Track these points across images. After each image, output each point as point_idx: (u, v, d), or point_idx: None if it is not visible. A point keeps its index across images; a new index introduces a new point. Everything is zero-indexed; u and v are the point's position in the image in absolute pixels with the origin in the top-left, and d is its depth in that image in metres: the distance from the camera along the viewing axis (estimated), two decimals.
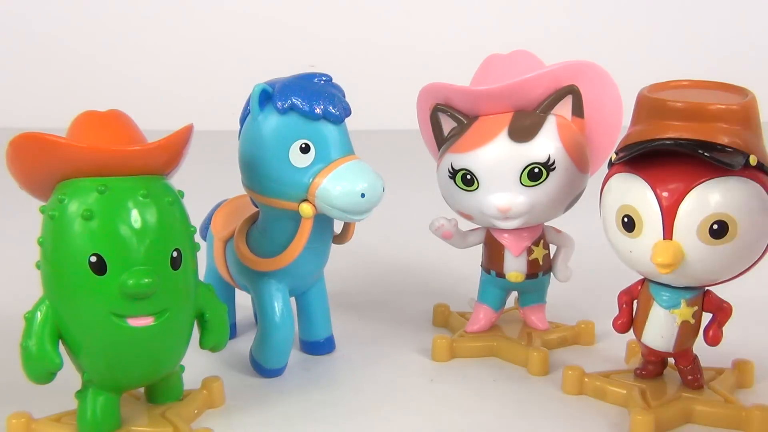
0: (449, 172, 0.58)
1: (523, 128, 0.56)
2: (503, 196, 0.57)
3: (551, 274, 0.63)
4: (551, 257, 0.62)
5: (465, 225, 0.62)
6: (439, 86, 0.59)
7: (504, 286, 0.62)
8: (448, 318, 0.67)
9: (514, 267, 0.61)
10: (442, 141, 0.60)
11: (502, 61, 0.60)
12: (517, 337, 0.63)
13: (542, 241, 0.61)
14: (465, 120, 0.58)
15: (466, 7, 1.56)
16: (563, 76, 0.57)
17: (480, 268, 0.63)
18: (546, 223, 0.61)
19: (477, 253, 0.64)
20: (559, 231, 0.62)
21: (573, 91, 0.57)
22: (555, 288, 0.64)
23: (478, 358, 0.62)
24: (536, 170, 0.56)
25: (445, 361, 0.61)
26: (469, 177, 0.57)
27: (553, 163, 0.56)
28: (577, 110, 0.57)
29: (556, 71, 0.57)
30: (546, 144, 0.56)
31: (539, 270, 0.61)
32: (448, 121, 0.59)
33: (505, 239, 0.60)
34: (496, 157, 0.56)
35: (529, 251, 0.60)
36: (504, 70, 0.58)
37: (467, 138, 0.58)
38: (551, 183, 0.57)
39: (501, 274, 0.61)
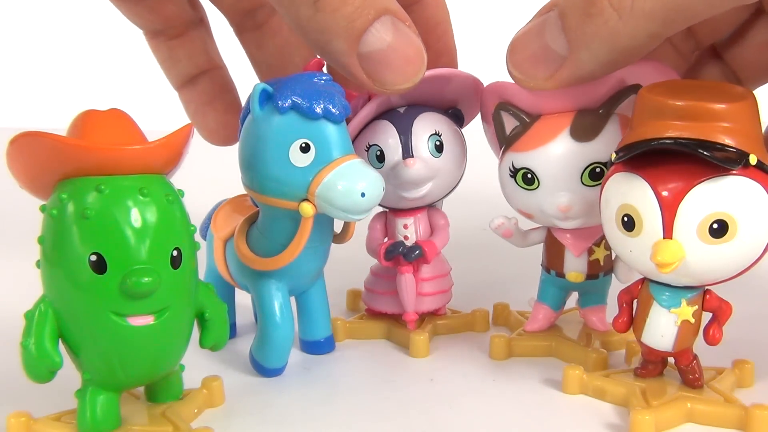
0: (510, 170, 0.58)
1: (585, 127, 0.56)
2: (564, 196, 0.57)
3: (612, 275, 0.62)
4: (612, 258, 0.61)
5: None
6: (503, 85, 0.59)
7: (564, 286, 0.62)
8: (507, 317, 0.67)
9: (575, 267, 0.60)
10: (504, 139, 0.60)
11: None
12: (577, 337, 0.62)
13: (603, 242, 0.60)
14: (527, 118, 0.58)
15: (471, 6, 1.56)
16: (628, 76, 0.56)
17: (540, 267, 0.63)
18: None
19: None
20: None
21: (636, 91, 0.56)
22: None
23: (535, 357, 0.61)
24: (598, 170, 0.56)
25: (502, 359, 0.61)
26: (529, 176, 0.57)
27: None
28: None
29: (621, 70, 0.55)
30: (608, 143, 0.55)
31: (600, 270, 0.60)
32: (511, 119, 0.59)
33: (566, 239, 0.60)
34: (558, 156, 0.56)
35: (590, 251, 0.60)
36: None
37: (529, 137, 0.57)
38: None
39: (561, 274, 0.61)
